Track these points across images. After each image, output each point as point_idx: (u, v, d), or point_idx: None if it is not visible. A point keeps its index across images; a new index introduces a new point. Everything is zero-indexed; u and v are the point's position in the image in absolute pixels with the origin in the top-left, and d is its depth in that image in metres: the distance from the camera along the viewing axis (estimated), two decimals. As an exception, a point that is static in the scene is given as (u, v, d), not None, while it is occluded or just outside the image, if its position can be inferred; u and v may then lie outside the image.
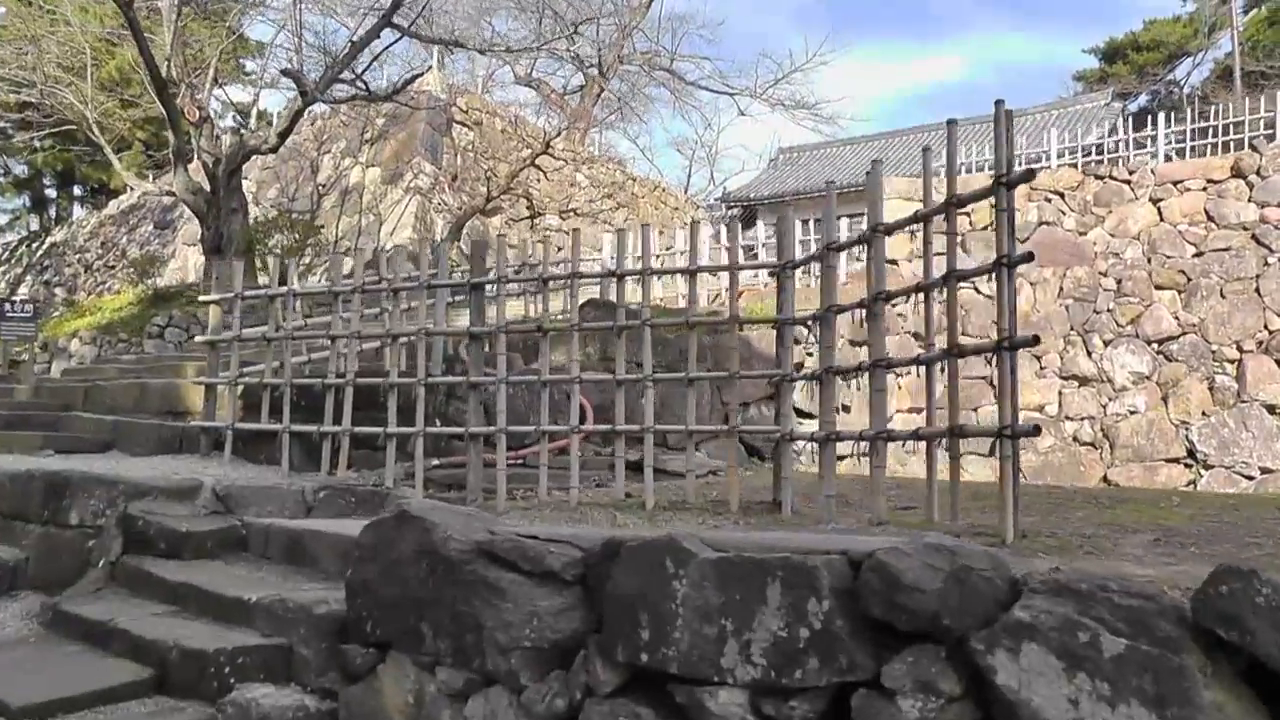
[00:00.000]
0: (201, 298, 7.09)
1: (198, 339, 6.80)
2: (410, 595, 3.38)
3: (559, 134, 19.57)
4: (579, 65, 24.05)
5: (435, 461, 6.08)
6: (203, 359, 10.55)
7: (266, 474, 6.00)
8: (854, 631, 2.46)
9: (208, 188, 17.89)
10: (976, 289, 15.32)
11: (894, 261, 15.77)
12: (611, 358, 5.37)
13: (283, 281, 6.46)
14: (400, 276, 5.86)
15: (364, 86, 15.35)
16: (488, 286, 5.42)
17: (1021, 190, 16.26)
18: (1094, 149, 20.33)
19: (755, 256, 18.84)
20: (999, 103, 3.86)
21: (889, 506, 4.63)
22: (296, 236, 17.03)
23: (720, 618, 2.64)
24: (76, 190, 42.98)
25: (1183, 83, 36.98)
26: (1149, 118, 22.17)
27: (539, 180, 20.95)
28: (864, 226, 4.51)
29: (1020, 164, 19.95)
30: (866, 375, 4.45)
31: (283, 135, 17.12)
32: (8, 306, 14.49)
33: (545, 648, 3.03)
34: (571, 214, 21.55)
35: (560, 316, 9.43)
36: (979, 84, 74.90)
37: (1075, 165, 17.80)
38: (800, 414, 10.96)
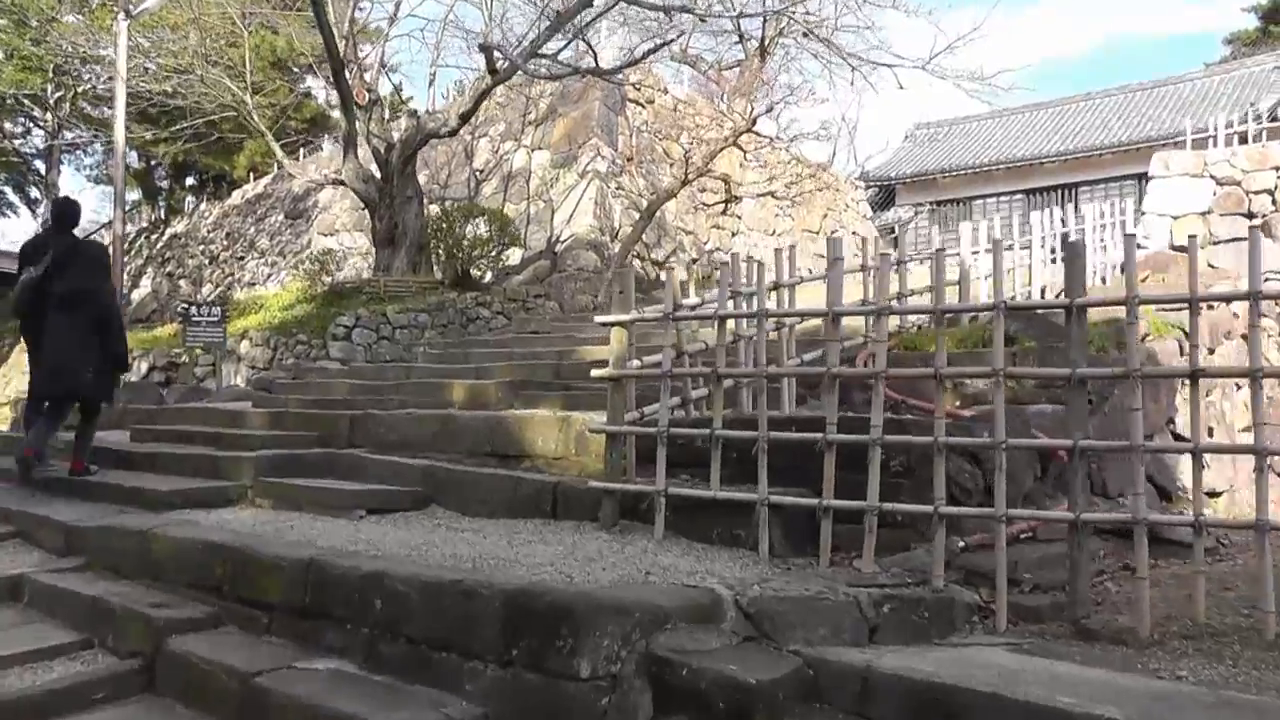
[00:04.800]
0: (599, 318, 5.42)
1: (594, 373, 5.18)
2: None
3: (769, 109, 17.76)
4: (741, 39, 22.30)
5: (962, 543, 4.47)
6: (467, 375, 9.12)
7: (733, 562, 4.41)
8: None
9: (378, 175, 16.59)
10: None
11: (1181, 248, 13.87)
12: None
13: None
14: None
15: (593, 57, 13.66)
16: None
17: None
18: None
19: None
20: None
21: None
22: (486, 227, 15.57)
23: None
24: (189, 181, 42.47)
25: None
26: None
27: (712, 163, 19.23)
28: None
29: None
30: None
31: (464, 117, 15.68)
32: (194, 310, 13.29)
33: None
34: (769, 196, 19.79)
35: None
36: (1089, 56, 71.45)
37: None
38: (1176, 436, 9.17)
